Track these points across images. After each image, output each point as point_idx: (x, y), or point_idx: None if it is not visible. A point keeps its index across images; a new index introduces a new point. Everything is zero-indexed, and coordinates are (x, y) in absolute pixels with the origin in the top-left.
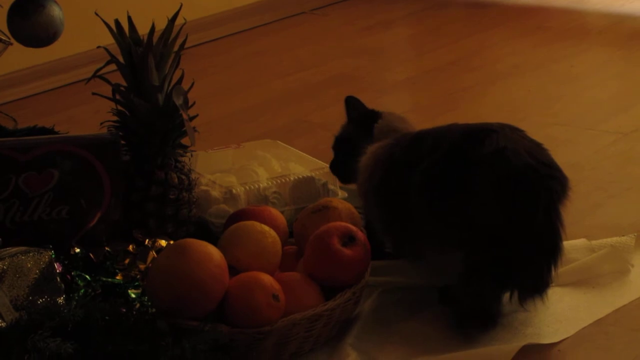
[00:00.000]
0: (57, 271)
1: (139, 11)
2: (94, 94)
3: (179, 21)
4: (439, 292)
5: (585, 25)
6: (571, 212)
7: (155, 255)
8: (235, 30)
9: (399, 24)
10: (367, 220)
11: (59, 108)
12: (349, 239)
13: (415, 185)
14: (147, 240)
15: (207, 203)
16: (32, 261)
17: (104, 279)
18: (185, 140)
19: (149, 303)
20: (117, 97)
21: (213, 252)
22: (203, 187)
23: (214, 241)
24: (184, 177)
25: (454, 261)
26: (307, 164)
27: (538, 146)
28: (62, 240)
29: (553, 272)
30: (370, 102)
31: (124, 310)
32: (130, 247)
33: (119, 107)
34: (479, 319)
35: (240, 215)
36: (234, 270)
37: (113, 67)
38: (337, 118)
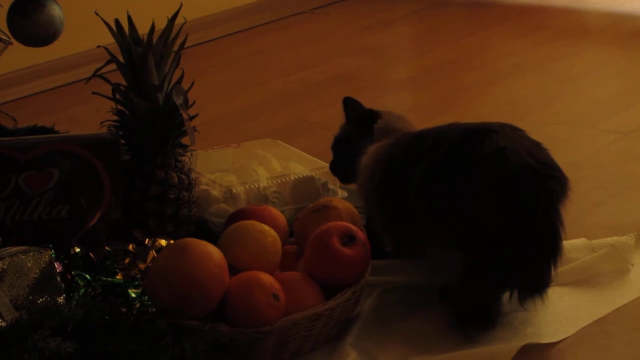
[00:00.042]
0: (57, 271)
1: (139, 11)
2: (94, 93)
3: (178, 21)
4: (439, 291)
5: (586, 25)
6: (571, 211)
7: (155, 254)
8: (235, 29)
9: (400, 23)
10: (367, 219)
11: (59, 107)
12: (349, 239)
13: (415, 185)
14: (147, 239)
15: (207, 202)
16: (32, 261)
17: (104, 278)
18: (185, 140)
19: (149, 302)
20: (117, 96)
21: (213, 251)
22: (203, 187)
23: (214, 241)
24: (184, 176)
25: (454, 261)
26: (307, 164)
27: (538, 146)
28: (62, 239)
29: (553, 272)
30: (371, 101)
31: (124, 309)
32: (130, 247)
33: (119, 107)
34: (479, 318)
35: (240, 215)
36: (234, 269)
37: (113, 66)
38: (337, 117)
